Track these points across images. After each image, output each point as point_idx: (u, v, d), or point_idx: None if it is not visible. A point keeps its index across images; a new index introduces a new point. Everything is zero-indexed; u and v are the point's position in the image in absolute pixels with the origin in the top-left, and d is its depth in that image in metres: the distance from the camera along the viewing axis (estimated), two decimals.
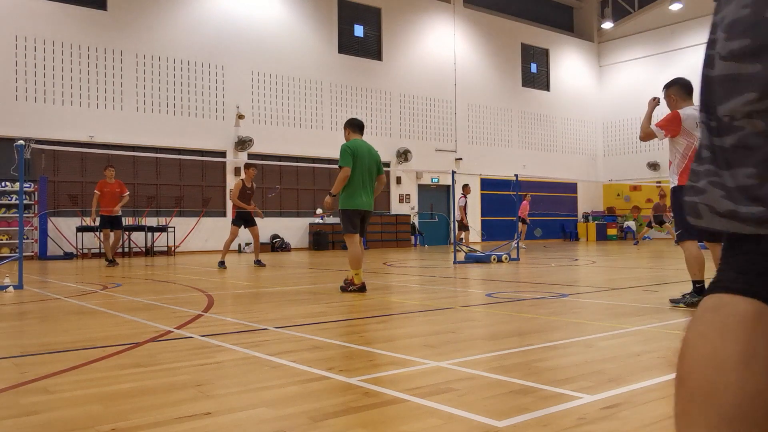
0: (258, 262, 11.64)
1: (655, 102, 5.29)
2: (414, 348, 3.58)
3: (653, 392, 2.52)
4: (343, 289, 6.67)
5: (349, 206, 6.61)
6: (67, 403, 2.51)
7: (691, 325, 1.01)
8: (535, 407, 2.32)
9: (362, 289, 6.61)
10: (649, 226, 20.44)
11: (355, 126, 6.87)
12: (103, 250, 16.90)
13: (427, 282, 8.05)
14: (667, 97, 5.24)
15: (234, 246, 19.10)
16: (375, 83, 22.61)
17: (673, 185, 5.09)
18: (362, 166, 6.62)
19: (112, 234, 12.47)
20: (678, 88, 5.15)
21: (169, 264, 13.13)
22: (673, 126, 5.00)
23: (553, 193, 27.22)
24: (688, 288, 5.52)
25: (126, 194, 12.43)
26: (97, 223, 12.33)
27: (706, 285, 1.19)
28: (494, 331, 4.19)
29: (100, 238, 16.92)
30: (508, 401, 2.42)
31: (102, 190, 12.16)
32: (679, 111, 5.07)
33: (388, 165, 22.26)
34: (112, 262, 12.17)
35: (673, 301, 5.26)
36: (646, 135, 5.15)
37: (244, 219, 11.55)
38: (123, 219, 17.19)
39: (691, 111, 5.00)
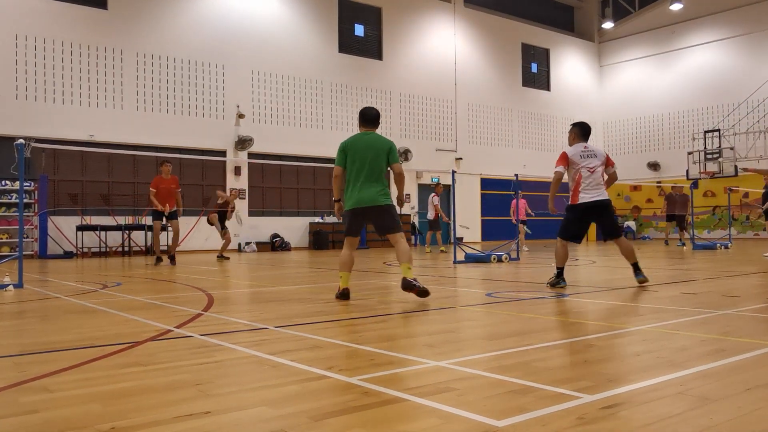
0: (221, 257, 13.81)
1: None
2: (414, 347, 3.57)
3: (653, 392, 2.52)
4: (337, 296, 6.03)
5: (346, 207, 5.97)
6: (67, 401, 2.51)
7: None
8: (534, 407, 2.32)
9: (342, 295, 5.84)
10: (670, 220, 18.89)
11: (361, 118, 6.16)
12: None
13: (427, 282, 8.04)
14: (569, 133, 6.95)
15: (234, 245, 19.11)
16: (375, 83, 22.61)
17: (567, 204, 6.75)
18: (356, 160, 5.87)
19: (169, 226, 12.10)
20: (577, 129, 6.86)
21: (168, 262, 13.10)
22: (563, 161, 6.69)
23: None
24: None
25: (179, 190, 12.09)
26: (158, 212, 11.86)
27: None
28: (494, 330, 4.19)
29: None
30: (507, 401, 2.42)
31: (158, 187, 11.74)
32: (566, 150, 6.73)
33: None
34: (161, 260, 11.82)
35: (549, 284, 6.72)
36: (558, 179, 6.72)
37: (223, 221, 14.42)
38: (123, 218, 17.25)
39: (575, 149, 6.69)
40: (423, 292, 5.57)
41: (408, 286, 5.62)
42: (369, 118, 6.12)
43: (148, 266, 11.63)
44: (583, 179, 6.52)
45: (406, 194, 23.25)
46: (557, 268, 6.71)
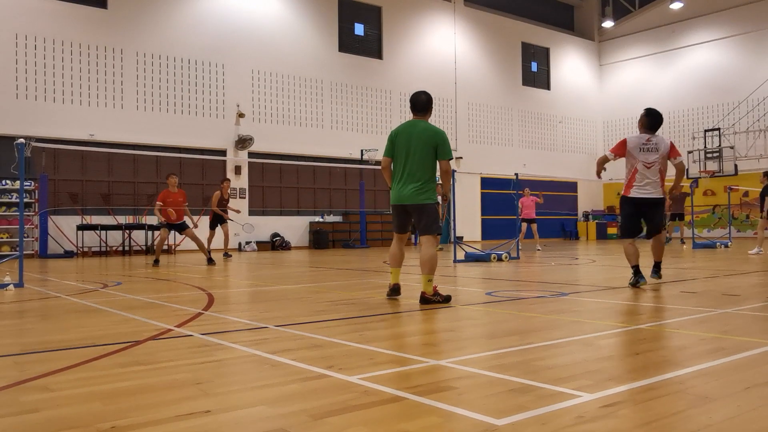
0: (226, 255, 14.05)
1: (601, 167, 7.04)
2: (413, 346, 3.58)
3: (652, 391, 2.52)
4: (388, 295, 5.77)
5: (391, 201, 5.72)
6: (68, 401, 2.51)
7: None
8: (534, 406, 2.32)
9: (392, 291, 5.67)
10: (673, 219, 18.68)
11: (411, 105, 5.70)
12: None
13: None
14: (639, 119, 6.67)
15: (233, 245, 19.11)
16: (375, 82, 22.60)
17: (621, 195, 6.71)
18: (401, 151, 5.52)
19: (177, 234, 12.49)
20: (646, 120, 6.57)
21: (169, 262, 13.11)
22: (619, 149, 6.55)
23: (553, 192, 27.17)
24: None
25: (186, 204, 12.09)
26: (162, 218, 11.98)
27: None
28: (494, 329, 4.19)
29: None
30: (507, 400, 2.43)
31: (165, 201, 11.71)
32: (627, 138, 6.55)
33: None
34: (159, 262, 11.84)
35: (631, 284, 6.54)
36: (601, 160, 6.79)
37: (218, 222, 14.07)
38: (124, 217, 17.26)
39: (637, 140, 6.50)
40: (446, 301, 5.44)
41: (426, 302, 5.33)
42: (418, 105, 5.62)
43: (148, 265, 11.64)
44: (638, 173, 6.45)
45: None
46: (632, 267, 6.54)
